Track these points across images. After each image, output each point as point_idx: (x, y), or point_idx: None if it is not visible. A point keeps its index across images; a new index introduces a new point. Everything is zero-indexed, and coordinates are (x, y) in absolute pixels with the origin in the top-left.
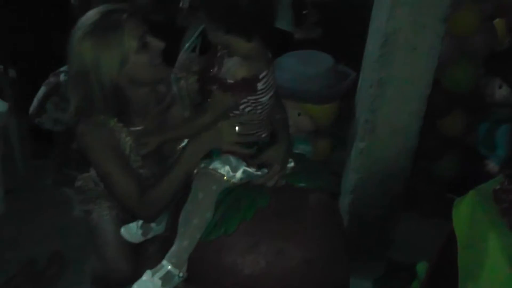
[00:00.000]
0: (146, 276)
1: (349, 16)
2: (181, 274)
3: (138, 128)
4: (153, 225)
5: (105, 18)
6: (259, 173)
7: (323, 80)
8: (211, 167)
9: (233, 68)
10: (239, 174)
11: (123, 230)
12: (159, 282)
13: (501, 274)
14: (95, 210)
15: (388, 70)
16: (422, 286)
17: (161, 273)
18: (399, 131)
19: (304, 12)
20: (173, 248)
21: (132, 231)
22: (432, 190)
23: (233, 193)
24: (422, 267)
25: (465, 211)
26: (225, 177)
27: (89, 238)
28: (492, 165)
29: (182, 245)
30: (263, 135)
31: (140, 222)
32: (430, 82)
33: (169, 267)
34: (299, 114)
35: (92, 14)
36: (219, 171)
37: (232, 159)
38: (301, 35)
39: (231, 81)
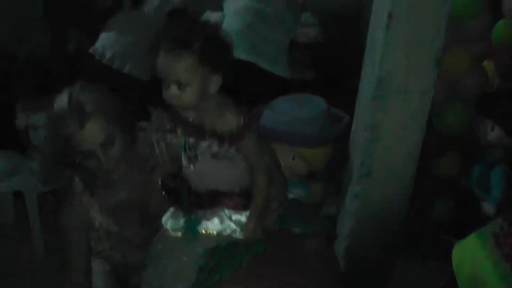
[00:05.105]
0: None
1: (342, 59)
2: None
3: (115, 199)
4: None
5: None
6: None
7: (317, 123)
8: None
9: (224, 118)
10: None
11: None
12: None
13: None
14: None
15: (382, 114)
16: None
17: None
18: (395, 174)
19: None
20: None
21: None
22: (428, 232)
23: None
24: None
25: (465, 255)
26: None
27: None
28: (487, 207)
29: None
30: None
31: None
32: (424, 125)
33: None
34: (293, 158)
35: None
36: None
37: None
38: (293, 78)
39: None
